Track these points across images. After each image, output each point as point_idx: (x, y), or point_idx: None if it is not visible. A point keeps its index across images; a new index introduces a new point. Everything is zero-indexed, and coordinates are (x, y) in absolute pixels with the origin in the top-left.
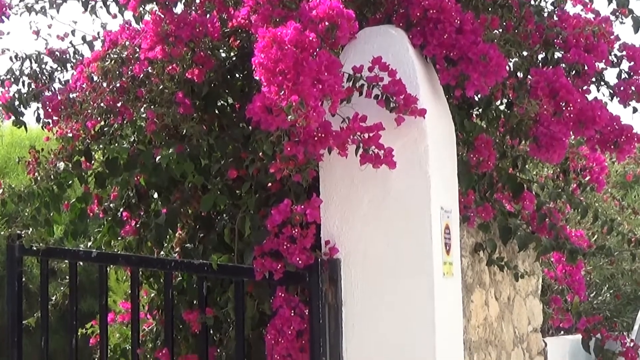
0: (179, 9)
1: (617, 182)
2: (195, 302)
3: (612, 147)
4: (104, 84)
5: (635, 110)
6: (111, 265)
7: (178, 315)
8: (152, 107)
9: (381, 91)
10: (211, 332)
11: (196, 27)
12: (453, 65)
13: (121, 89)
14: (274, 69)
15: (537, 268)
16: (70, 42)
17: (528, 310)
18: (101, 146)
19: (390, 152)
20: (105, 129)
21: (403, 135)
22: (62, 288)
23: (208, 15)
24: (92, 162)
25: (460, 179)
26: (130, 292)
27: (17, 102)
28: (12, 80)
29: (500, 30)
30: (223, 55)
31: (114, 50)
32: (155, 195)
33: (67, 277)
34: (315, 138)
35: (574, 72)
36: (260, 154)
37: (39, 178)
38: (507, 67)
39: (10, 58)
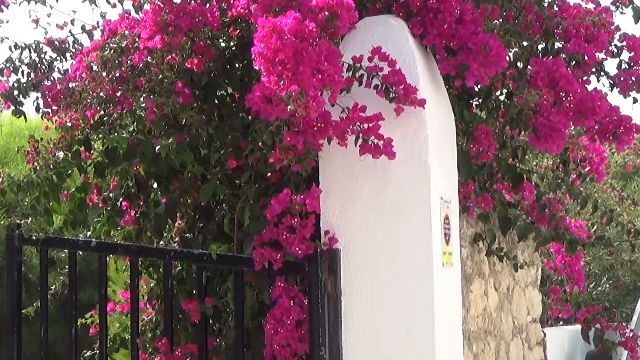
0: None
1: (616, 172)
2: (194, 291)
3: (611, 137)
4: (104, 74)
5: (635, 100)
6: (111, 255)
7: (177, 305)
8: (151, 96)
9: (381, 81)
10: (210, 321)
11: (195, 17)
12: (453, 55)
13: (120, 78)
14: (274, 58)
15: (536, 258)
16: (70, 32)
17: (527, 300)
18: (100, 136)
19: (390, 143)
20: (104, 119)
21: (403, 126)
22: (61, 278)
23: (207, 5)
24: (92, 151)
25: (460, 169)
26: (129, 281)
27: (16, 92)
28: (12, 69)
29: (501, 20)
30: (222, 44)
31: (114, 39)
32: (155, 185)
33: (67, 266)
34: (315, 128)
35: (574, 62)
36: (260, 143)
37: (38, 167)
38: (507, 57)
39: (10, 47)
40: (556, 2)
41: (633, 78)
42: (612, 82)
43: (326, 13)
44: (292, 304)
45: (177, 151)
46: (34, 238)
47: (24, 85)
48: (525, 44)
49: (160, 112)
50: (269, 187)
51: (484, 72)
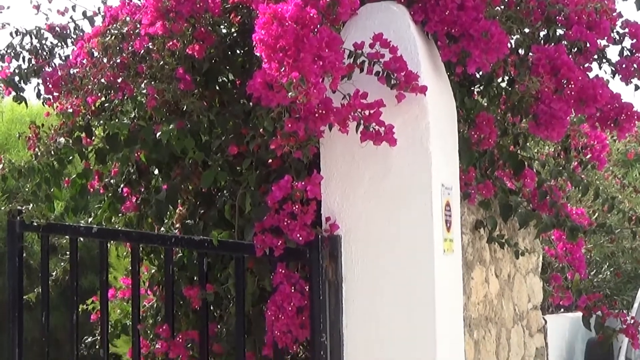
0: None
1: (618, 160)
2: (195, 278)
3: (612, 125)
4: (105, 60)
5: (637, 88)
6: (112, 241)
7: (178, 292)
8: (152, 83)
9: (382, 68)
10: (211, 308)
11: (197, 3)
12: (454, 42)
13: (122, 64)
14: (275, 45)
15: (537, 246)
16: (71, 18)
17: (528, 287)
18: (102, 122)
19: (391, 129)
20: (105, 105)
21: (404, 112)
22: (62, 264)
23: None
24: (93, 137)
25: (461, 156)
26: (130, 268)
27: (17, 78)
28: (13, 55)
29: (502, 6)
30: (224, 31)
31: (115, 25)
32: (156, 172)
33: (68, 253)
34: (316, 114)
35: (575, 49)
36: (261, 130)
37: (39, 154)
38: (509, 44)
39: (11, 33)
40: None
41: (635, 65)
42: (613, 69)
43: None
44: (293, 291)
45: (178, 137)
46: (35, 224)
47: (25, 71)
48: (526, 30)
49: (161, 98)
50: (270, 174)
51: (485, 58)
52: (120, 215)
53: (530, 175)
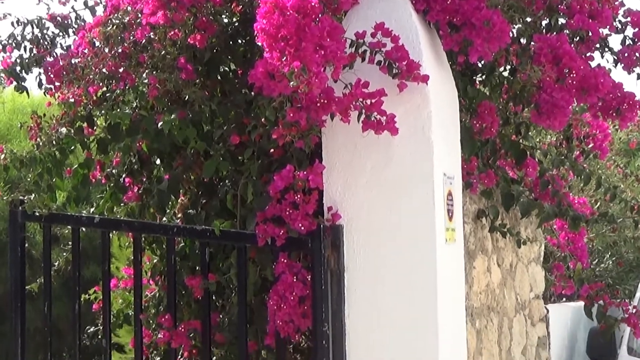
0: None
1: (620, 149)
2: (197, 268)
3: (614, 114)
4: (106, 50)
5: (639, 76)
6: (114, 231)
7: (180, 281)
8: (154, 72)
9: (384, 57)
10: (213, 297)
11: None
12: (456, 31)
13: (123, 54)
14: (276, 34)
15: (539, 235)
16: (72, 7)
17: (530, 277)
18: (103, 112)
19: (393, 118)
20: (107, 95)
21: (406, 102)
22: (64, 254)
23: None
24: (94, 127)
25: (463, 145)
26: (132, 258)
27: (18, 68)
28: (14, 45)
29: None
30: (225, 20)
31: (116, 15)
32: (158, 161)
33: (70, 243)
34: (318, 104)
35: (577, 38)
36: (263, 120)
37: (41, 144)
38: (511, 33)
39: (12, 23)
40: None
41: (637, 54)
42: (616, 58)
43: None
44: (295, 280)
45: (180, 127)
46: (37, 214)
47: (27, 61)
48: (528, 19)
49: (163, 88)
50: (272, 164)
51: (487, 47)
52: (122, 205)
53: (532, 164)
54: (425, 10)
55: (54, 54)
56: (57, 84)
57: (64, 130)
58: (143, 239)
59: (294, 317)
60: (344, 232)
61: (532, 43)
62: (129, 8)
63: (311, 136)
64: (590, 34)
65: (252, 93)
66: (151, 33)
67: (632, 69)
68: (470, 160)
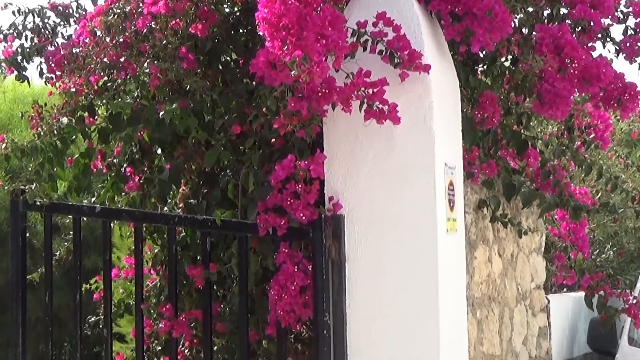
0: None
1: (621, 140)
2: (198, 257)
3: (616, 104)
4: (107, 39)
5: None
6: (115, 221)
7: (181, 271)
8: (155, 62)
9: (385, 47)
10: (214, 287)
11: None
12: (458, 20)
13: (124, 43)
14: (278, 23)
15: (540, 225)
16: None
17: (531, 267)
18: (104, 101)
19: (395, 108)
20: (108, 84)
21: (407, 91)
22: (65, 244)
23: None
24: (96, 117)
25: (465, 135)
26: (133, 247)
27: (19, 57)
28: (15, 34)
29: None
30: (227, 10)
31: (117, 4)
32: (159, 151)
33: (71, 232)
34: (319, 94)
35: (579, 28)
36: (264, 109)
37: (42, 133)
38: (512, 23)
39: (13, 12)
40: None
41: (639, 44)
42: (617, 48)
43: None
44: (296, 270)
45: (181, 117)
46: (38, 204)
47: (28, 50)
48: (530, 9)
49: (164, 77)
50: (273, 153)
51: (489, 37)
52: (123, 194)
53: (534, 154)
54: (427, 0)
55: (55, 43)
56: (58, 73)
57: (65, 119)
58: (144, 228)
59: (295, 307)
60: (345, 222)
61: (534, 33)
62: None
63: (312, 126)
64: (592, 24)
65: (254, 82)
66: (152, 22)
67: (633, 59)
68: (471, 150)
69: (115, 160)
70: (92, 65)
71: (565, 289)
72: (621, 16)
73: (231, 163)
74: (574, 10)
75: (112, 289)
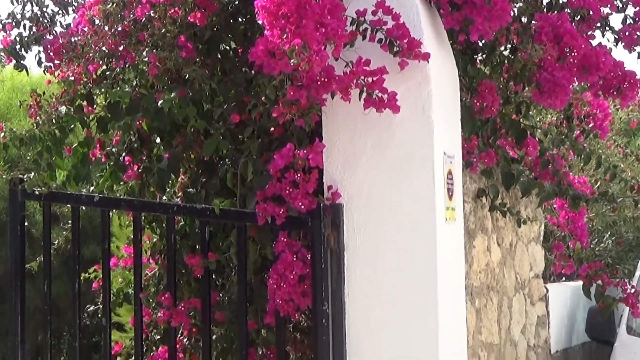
0: None
1: (620, 129)
2: (197, 246)
3: (615, 93)
4: (106, 28)
5: None
6: (113, 210)
7: (180, 260)
8: (154, 50)
9: (385, 35)
10: (213, 276)
11: None
12: (457, 9)
13: (123, 32)
14: (277, 12)
15: (539, 214)
16: None
17: (530, 256)
18: (103, 90)
19: (394, 96)
20: (107, 73)
21: (407, 80)
22: (64, 233)
23: None
24: (94, 106)
25: (464, 124)
26: (132, 236)
27: (18, 46)
28: (13, 23)
29: None
30: None
31: None
32: (158, 140)
33: (70, 222)
34: (318, 82)
35: (578, 17)
36: (263, 98)
37: (40, 122)
38: (512, 12)
39: (12, 1)
40: None
41: (638, 33)
42: (617, 37)
43: None
44: (295, 259)
45: (180, 106)
46: (37, 193)
47: (26, 39)
48: None
49: (163, 66)
50: (272, 142)
51: (488, 26)
52: (122, 183)
53: (533, 143)
54: None
55: (54, 32)
56: (56, 62)
57: (63, 108)
58: (143, 217)
59: (294, 296)
60: (344, 211)
61: (533, 22)
62: None
63: (311, 115)
64: (591, 12)
65: (253, 71)
66: (151, 11)
67: (632, 47)
68: (470, 139)
69: (114, 149)
70: (90, 54)
71: (563, 278)
72: (620, 5)
73: (230, 152)
74: None
75: (110, 278)
